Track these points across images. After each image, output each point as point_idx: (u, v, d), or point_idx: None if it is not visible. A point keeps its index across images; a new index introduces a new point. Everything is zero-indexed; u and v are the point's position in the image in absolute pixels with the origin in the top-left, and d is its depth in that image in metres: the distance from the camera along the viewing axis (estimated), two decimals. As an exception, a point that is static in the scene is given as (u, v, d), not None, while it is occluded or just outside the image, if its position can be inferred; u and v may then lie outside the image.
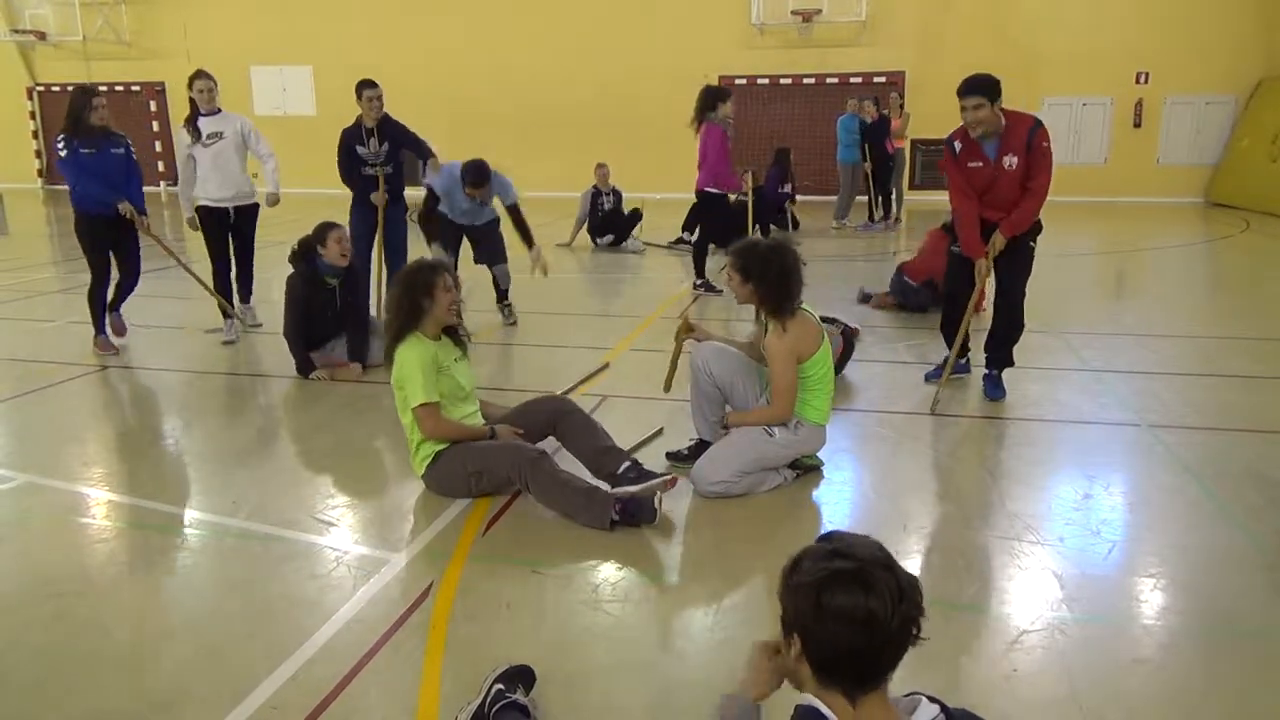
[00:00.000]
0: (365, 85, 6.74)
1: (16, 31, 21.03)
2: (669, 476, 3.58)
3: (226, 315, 6.52)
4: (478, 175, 6.43)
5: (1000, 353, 5.10)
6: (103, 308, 6.18)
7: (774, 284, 3.68)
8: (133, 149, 6.12)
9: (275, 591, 3.04)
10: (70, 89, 6.01)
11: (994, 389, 5.08)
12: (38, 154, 22.27)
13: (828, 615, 1.49)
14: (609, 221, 11.46)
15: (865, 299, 7.76)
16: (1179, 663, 2.63)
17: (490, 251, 6.91)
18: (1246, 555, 3.28)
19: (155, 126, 20.47)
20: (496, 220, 6.95)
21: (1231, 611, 2.91)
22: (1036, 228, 4.89)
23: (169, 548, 3.39)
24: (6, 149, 22.34)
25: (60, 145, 5.83)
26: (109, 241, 6.08)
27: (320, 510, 3.69)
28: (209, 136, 6.32)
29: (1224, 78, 16.43)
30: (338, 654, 2.64)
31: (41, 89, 21.86)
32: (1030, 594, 3.00)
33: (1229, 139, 16.54)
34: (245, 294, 6.87)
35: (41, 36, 21.07)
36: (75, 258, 11.78)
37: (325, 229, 5.51)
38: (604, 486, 3.59)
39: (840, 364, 5.30)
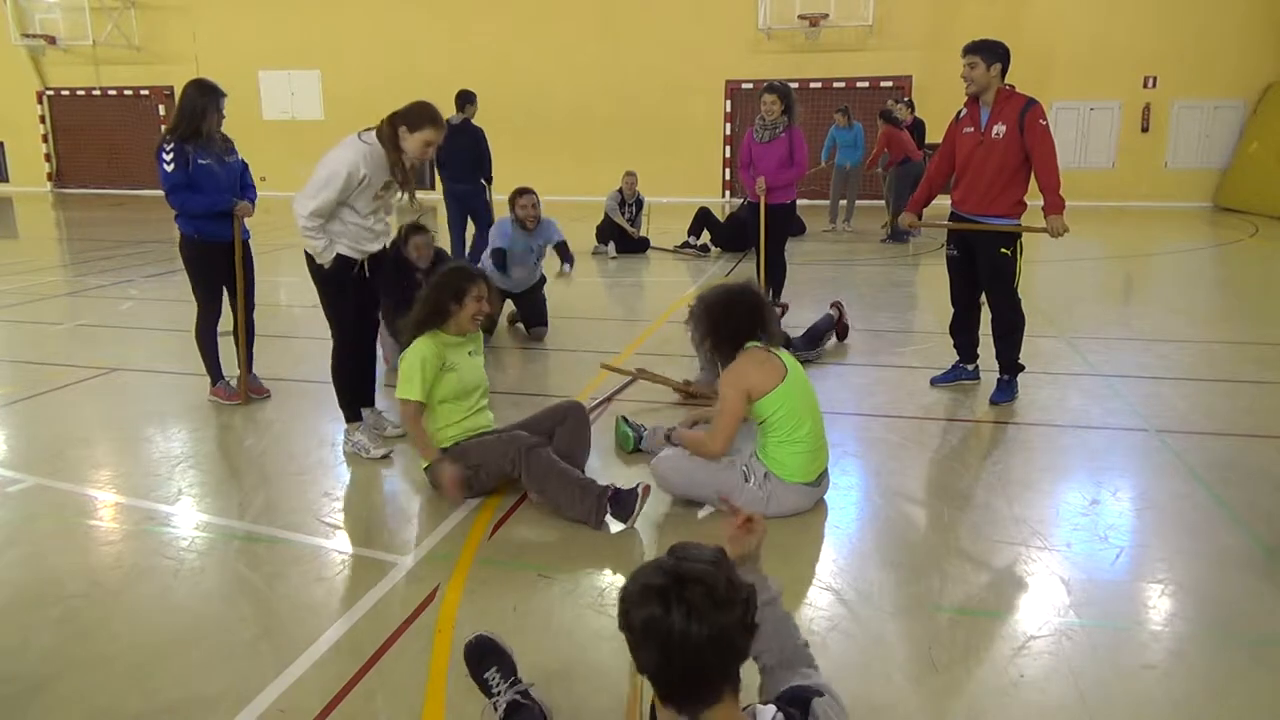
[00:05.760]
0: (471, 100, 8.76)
1: (27, 36, 21.19)
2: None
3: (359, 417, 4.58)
4: (524, 188, 6.74)
5: (1000, 355, 5.12)
6: (215, 347, 5.20)
7: (720, 330, 3.69)
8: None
9: (282, 594, 3.05)
10: (188, 84, 4.89)
11: (998, 394, 5.07)
12: (47, 158, 22.42)
13: (636, 633, 1.46)
14: (621, 233, 11.42)
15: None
16: (1187, 669, 2.62)
17: (534, 313, 6.82)
18: (1255, 561, 3.26)
19: (164, 130, 20.57)
20: (542, 280, 6.98)
21: (1240, 617, 2.90)
22: (1010, 236, 4.91)
23: (176, 550, 3.40)
24: (17, 153, 22.51)
25: (168, 153, 4.78)
26: (226, 273, 5.08)
27: (326, 513, 3.70)
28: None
29: (1232, 82, 16.39)
30: (344, 657, 2.65)
31: (51, 93, 22.02)
32: (1037, 600, 2.99)
33: (1237, 143, 16.50)
34: (370, 391, 4.72)
35: (52, 41, 21.22)
36: (83, 260, 11.89)
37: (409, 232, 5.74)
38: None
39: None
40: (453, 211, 9.04)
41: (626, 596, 1.49)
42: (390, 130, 4.08)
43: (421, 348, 3.76)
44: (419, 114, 4.12)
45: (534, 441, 3.66)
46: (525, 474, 3.59)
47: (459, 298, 3.80)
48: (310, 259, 4.26)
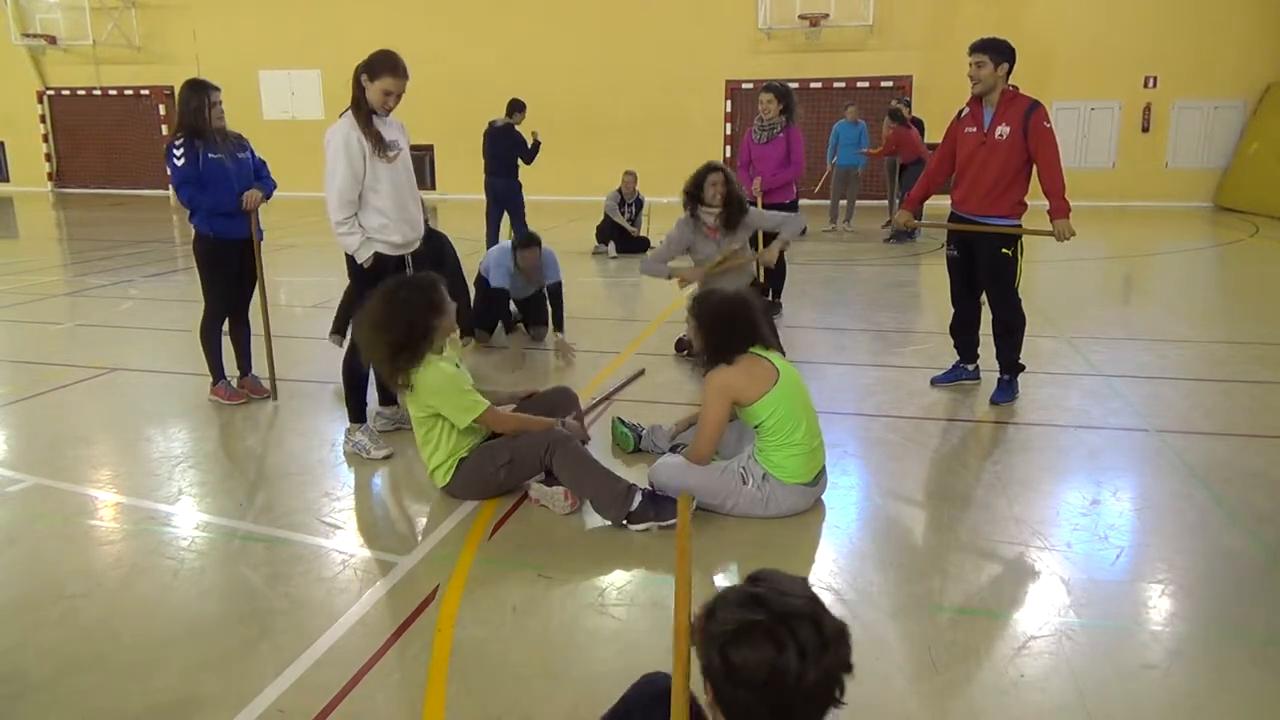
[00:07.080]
0: (520, 109, 10.16)
1: (27, 36, 21.17)
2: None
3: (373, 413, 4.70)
4: (529, 239, 6.39)
5: (1000, 355, 5.12)
6: (219, 346, 5.15)
7: (716, 333, 3.64)
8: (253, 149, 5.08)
9: (282, 594, 3.04)
10: (182, 86, 4.84)
11: (999, 393, 5.08)
12: (48, 157, 22.40)
13: (734, 672, 1.36)
14: (621, 232, 11.41)
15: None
16: (1186, 669, 2.62)
17: (534, 313, 6.77)
18: (1255, 561, 3.26)
19: (165, 130, 20.59)
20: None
21: (1239, 618, 2.90)
22: (1010, 237, 4.90)
23: (176, 550, 3.40)
24: (17, 152, 22.50)
25: (178, 150, 4.72)
26: (237, 271, 5.04)
27: (326, 513, 3.70)
28: (391, 147, 4.18)
29: (1232, 82, 16.39)
30: (344, 657, 2.65)
31: (52, 93, 22.00)
32: (1037, 599, 2.99)
33: (1238, 143, 16.50)
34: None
35: (52, 41, 21.20)
36: (83, 260, 11.88)
37: None
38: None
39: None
40: (490, 204, 10.28)
41: (719, 632, 1.38)
42: (354, 81, 4.00)
43: (438, 375, 3.62)
44: (380, 61, 3.99)
45: (566, 434, 3.70)
46: (555, 462, 3.59)
47: (439, 309, 3.67)
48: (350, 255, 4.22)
